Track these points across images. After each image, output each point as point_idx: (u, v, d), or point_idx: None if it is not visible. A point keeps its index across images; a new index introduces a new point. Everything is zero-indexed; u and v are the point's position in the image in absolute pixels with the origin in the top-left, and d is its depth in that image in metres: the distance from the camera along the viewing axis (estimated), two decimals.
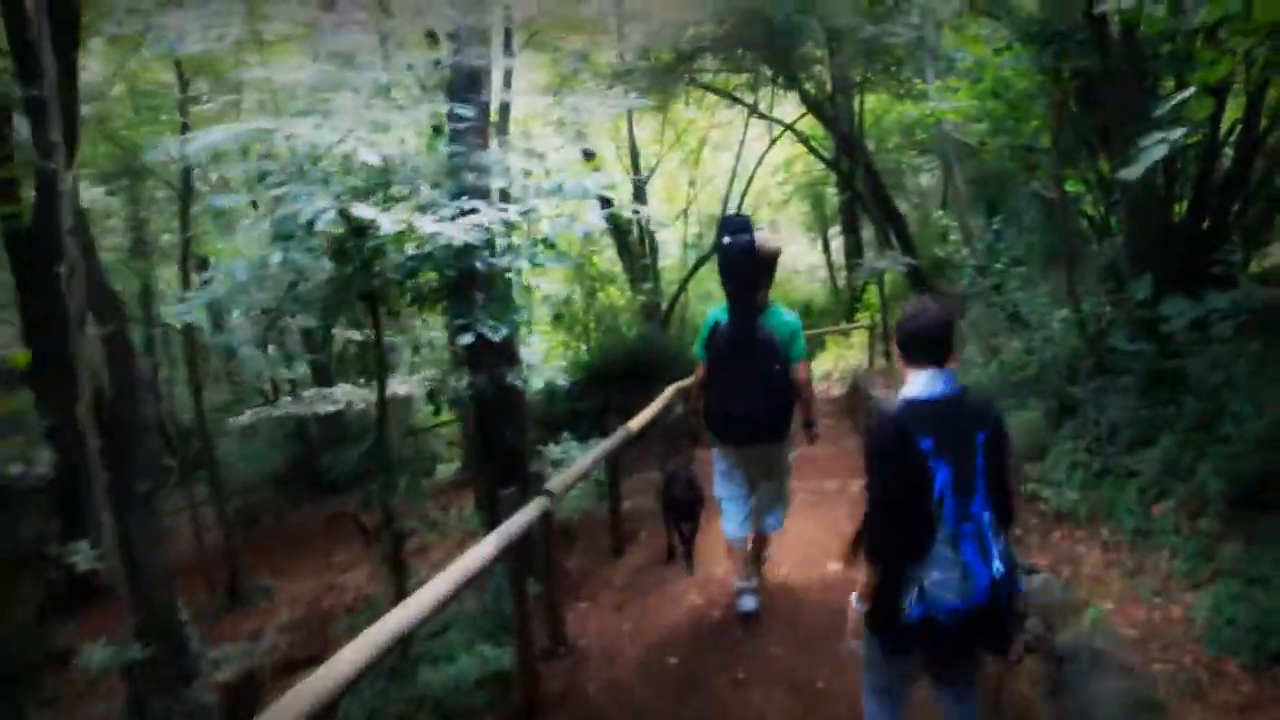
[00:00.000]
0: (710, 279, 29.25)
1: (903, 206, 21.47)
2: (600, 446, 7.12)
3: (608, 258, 23.84)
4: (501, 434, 7.52)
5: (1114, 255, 7.11)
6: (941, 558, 3.07)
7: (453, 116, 6.67)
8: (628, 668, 5.49)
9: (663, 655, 5.59)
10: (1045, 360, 8.55)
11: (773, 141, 20.92)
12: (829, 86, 18.22)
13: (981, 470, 3.11)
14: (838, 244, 28.28)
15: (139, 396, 7.56)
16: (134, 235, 17.34)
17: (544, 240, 5.92)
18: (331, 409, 9.29)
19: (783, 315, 5.52)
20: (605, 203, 23.25)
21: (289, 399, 11.55)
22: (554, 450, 10.58)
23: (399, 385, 9.37)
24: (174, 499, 16.13)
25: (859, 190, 20.14)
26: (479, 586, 6.49)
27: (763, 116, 19.93)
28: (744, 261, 5.32)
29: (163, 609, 8.15)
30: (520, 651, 5.09)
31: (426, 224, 5.02)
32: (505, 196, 6.59)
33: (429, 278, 5.87)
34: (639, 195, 22.58)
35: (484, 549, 4.36)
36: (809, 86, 18.71)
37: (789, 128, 20.18)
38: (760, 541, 6.19)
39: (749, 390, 5.34)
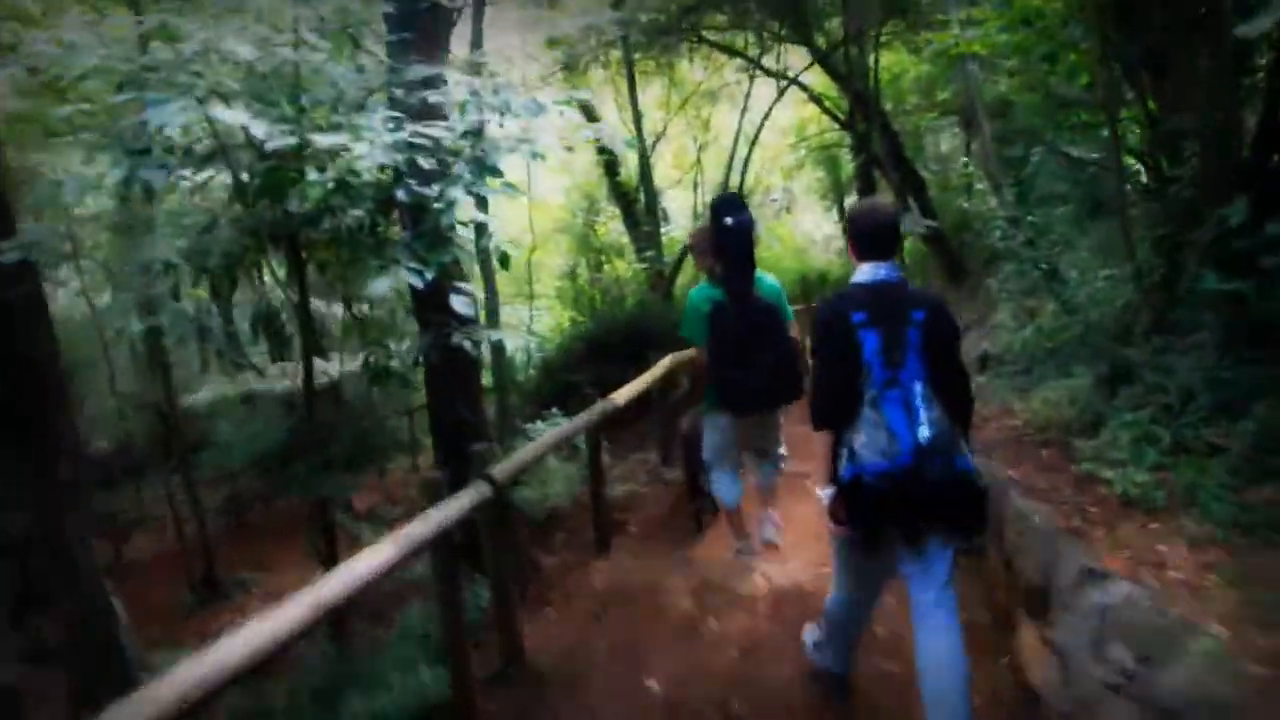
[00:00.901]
0: None
1: (921, 172, 20.30)
2: (570, 423, 6.07)
3: (615, 229, 22.81)
4: (451, 406, 6.45)
5: (1179, 195, 6.01)
6: (868, 420, 3.29)
7: (392, 23, 5.61)
8: (597, 695, 4.49)
9: (642, 679, 4.58)
10: (1090, 320, 7.49)
11: (778, 96, 19.70)
12: (842, 39, 17.07)
13: (915, 344, 3.37)
14: None
15: (48, 366, 6.52)
16: None
17: (486, 165, 4.76)
18: (285, 386, 8.26)
19: (767, 281, 5.80)
20: (605, 155, 22.37)
21: (250, 375, 10.56)
22: (539, 427, 9.57)
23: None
24: (169, 485, 15.33)
25: (875, 152, 18.99)
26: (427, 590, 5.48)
27: (766, 72, 18.76)
28: (745, 240, 5.57)
29: (96, 614, 7.22)
30: (454, 676, 4.07)
31: (325, 140, 3.98)
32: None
33: (355, 215, 4.77)
34: (643, 161, 21.52)
35: (379, 554, 3.32)
36: (820, 40, 17.57)
37: (793, 81, 18.94)
38: (765, 492, 6.42)
39: (765, 360, 5.55)
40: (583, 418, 6.24)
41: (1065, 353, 7.41)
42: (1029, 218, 8.54)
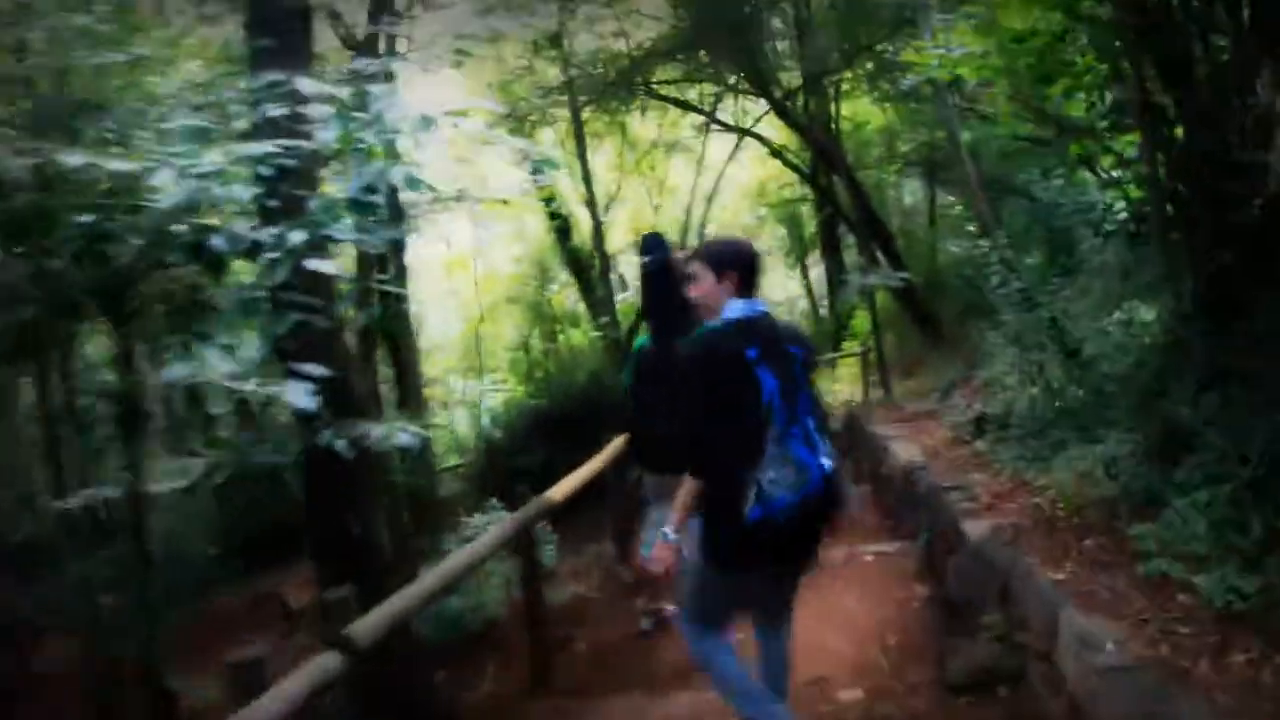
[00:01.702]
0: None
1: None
2: (489, 535, 4.78)
3: (571, 298, 21.72)
4: (338, 520, 5.13)
5: (1242, 220, 4.94)
6: (774, 457, 3.28)
7: (252, 27, 4.42)
8: None
9: None
10: (1108, 373, 6.40)
11: (735, 148, 18.79)
12: (800, 87, 16.23)
13: (803, 380, 3.45)
14: (817, 272, 26.19)
15: None
16: None
17: (350, 201, 3.45)
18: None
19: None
20: (557, 220, 21.29)
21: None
22: (477, 522, 8.30)
23: None
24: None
25: (839, 205, 18.10)
26: None
27: (723, 125, 17.84)
28: (660, 280, 5.03)
29: None
30: None
31: (74, 160, 2.78)
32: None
33: (181, 273, 3.54)
34: (596, 225, 20.50)
35: None
36: (776, 91, 16.72)
37: (749, 133, 18.00)
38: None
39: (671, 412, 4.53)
40: (508, 524, 4.99)
41: (1083, 413, 6.30)
42: (1026, 260, 7.50)
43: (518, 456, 12.70)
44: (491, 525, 7.91)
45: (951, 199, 19.60)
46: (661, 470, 5.09)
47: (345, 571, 4.29)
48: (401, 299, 9.60)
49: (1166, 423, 4.81)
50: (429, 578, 3.70)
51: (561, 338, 21.24)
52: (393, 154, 2.89)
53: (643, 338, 5.40)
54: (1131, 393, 5.91)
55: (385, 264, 9.62)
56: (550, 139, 20.15)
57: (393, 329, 10.41)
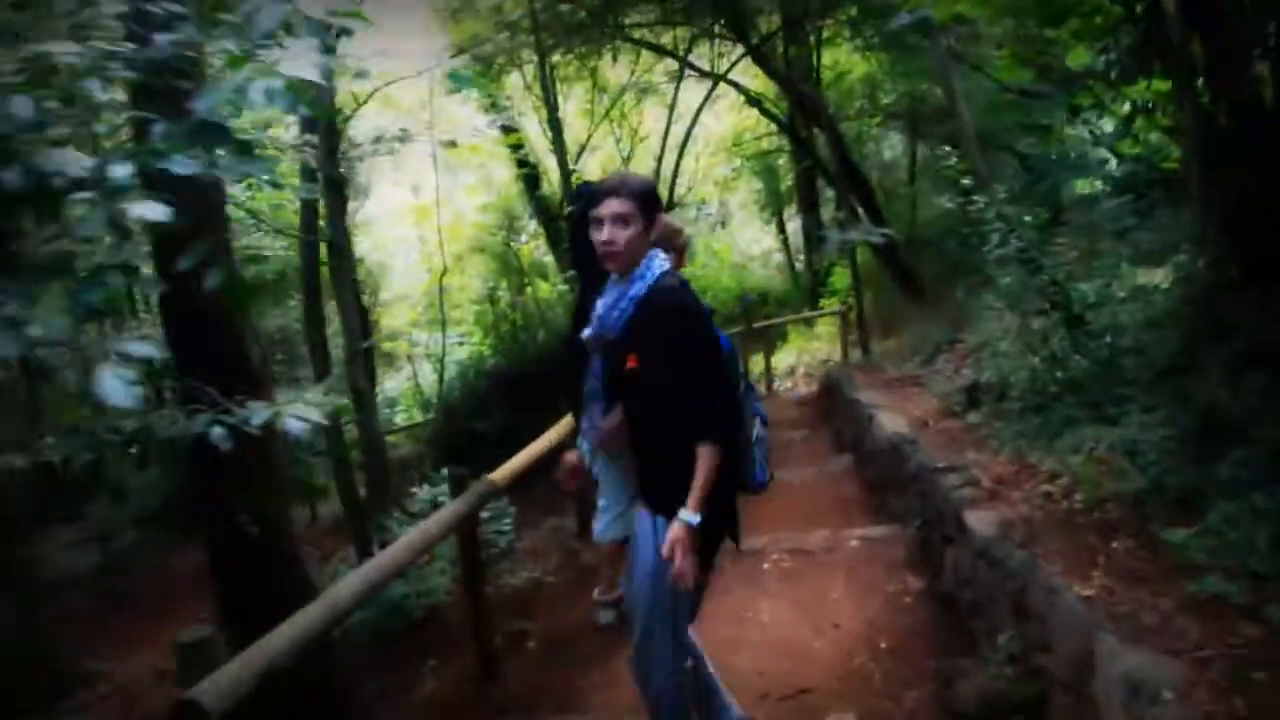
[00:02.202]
0: None
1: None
2: (418, 530, 4.07)
3: (540, 249, 20.92)
4: (226, 513, 4.38)
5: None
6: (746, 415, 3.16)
7: None
8: None
9: None
10: (1122, 345, 5.79)
11: (708, 94, 17.97)
12: (778, 31, 15.43)
13: None
14: (793, 227, 25.50)
15: None
16: None
17: (195, 125, 2.61)
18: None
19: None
20: (526, 168, 20.44)
21: None
22: (423, 495, 7.63)
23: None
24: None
25: (818, 157, 17.38)
26: None
27: (697, 70, 16.99)
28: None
29: None
30: None
31: None
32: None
33: None
34: (564, 173, 19.65)
35: None
36: (754, 37, 15.92)
37: (723, 78, 17.14)
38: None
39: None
40: (443, 515, 4.31)
41: (1092, 387, 5.70)
42: (1024, 219, 6.85)
43: (477, 420, 11.98)
44: (433, 501, 7.30)
45: (934, 153, 19.05)
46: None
47: (244, 583, 3.60)
48: (336, 249, 8.83)
49: (1201, 406, 4.20)
50: (314, 608, 2.98)
51: (529, 290, 20.48)
52: (266, 69, 2.18)
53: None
54: (1149, 366, 5.31)
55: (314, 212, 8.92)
56: (518, 84, 19.29)
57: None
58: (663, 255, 3.05)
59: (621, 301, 2.98)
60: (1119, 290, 6.68)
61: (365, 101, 12.34)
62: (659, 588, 2.93)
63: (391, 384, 23.43)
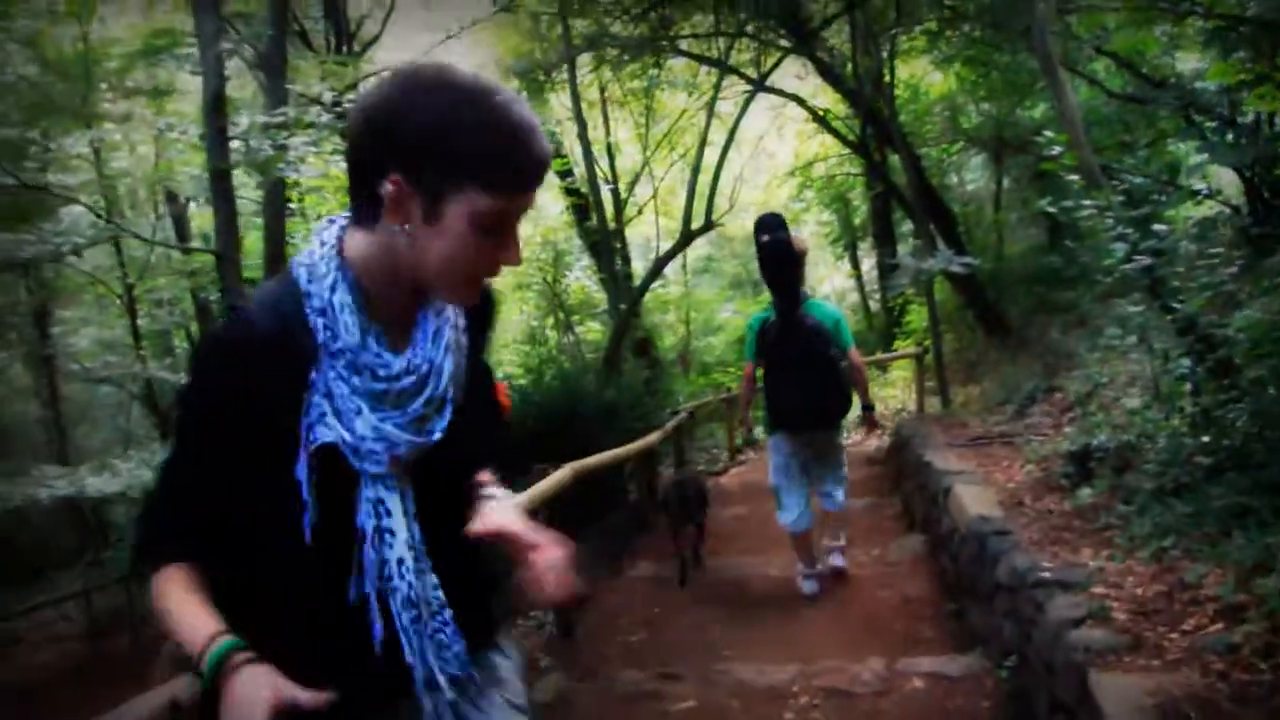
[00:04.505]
0: (711, 305, 24.65)
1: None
2: None
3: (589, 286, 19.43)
4: None
5: None
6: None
7: None
8: None
9: None
10: None
11: (745, 104, 16.24)
12: (851, 49, 13.78)
13: None
14: (868, 264, 23.65)
15: None
16: None
17: None
18: None
19: (824, 306, 6.11)
20: (574, 197, 18.91)
21: None
22: None
23: None
24: None
25: (893, 183, 15.62)
26: None
27: (767, 89, 15.29)
28: (784, 256, 5.78)
29: None
30: None
31: None
32: None
33: None
34: (616, 205, 18.15)
35: None
36: (821, 53, 14.29)
37: (761, 85, 15.20)
38: (827, 519, 6.29)
39: (806, 377, 5.75)
40: None
41: (1273, 465, 3.90)
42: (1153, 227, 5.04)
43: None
44: None
45: (1019, 184, 17.25)
46: (797, 429, 5.95)
47: None
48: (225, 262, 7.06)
49: None
50: None
51: (580, 329, 18.98)
52: None
53: (761, 313, 6.15)
54: None
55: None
56: (566, 105, 17.88)
57: None
58: None
59: None
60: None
61: None
62: None
63: None
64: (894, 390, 16.54)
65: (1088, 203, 5.45)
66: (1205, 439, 4.45)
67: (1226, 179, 9.34)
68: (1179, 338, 4.81)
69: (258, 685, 1.31)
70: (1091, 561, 3.97)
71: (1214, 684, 2.66)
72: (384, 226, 1.39)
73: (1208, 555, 3.59)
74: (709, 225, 16.08)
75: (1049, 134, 6.12)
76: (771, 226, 5.77)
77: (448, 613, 1.55)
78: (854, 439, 14.70)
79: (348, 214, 1.49)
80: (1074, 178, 5.55)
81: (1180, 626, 3.11)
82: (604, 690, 4.63)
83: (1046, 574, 3.81)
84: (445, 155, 1.31)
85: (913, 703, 3.97)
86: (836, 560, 6.20)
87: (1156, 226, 5.03)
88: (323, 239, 1.49)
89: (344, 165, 2.28)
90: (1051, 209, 5.84)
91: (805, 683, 4.22)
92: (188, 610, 1.41)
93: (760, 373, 6.12)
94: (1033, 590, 3.74)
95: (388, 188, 1.33)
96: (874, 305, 22.97)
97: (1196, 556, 3.64)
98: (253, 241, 13.52)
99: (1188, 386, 4.68)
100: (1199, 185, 8.88)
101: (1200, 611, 3.18)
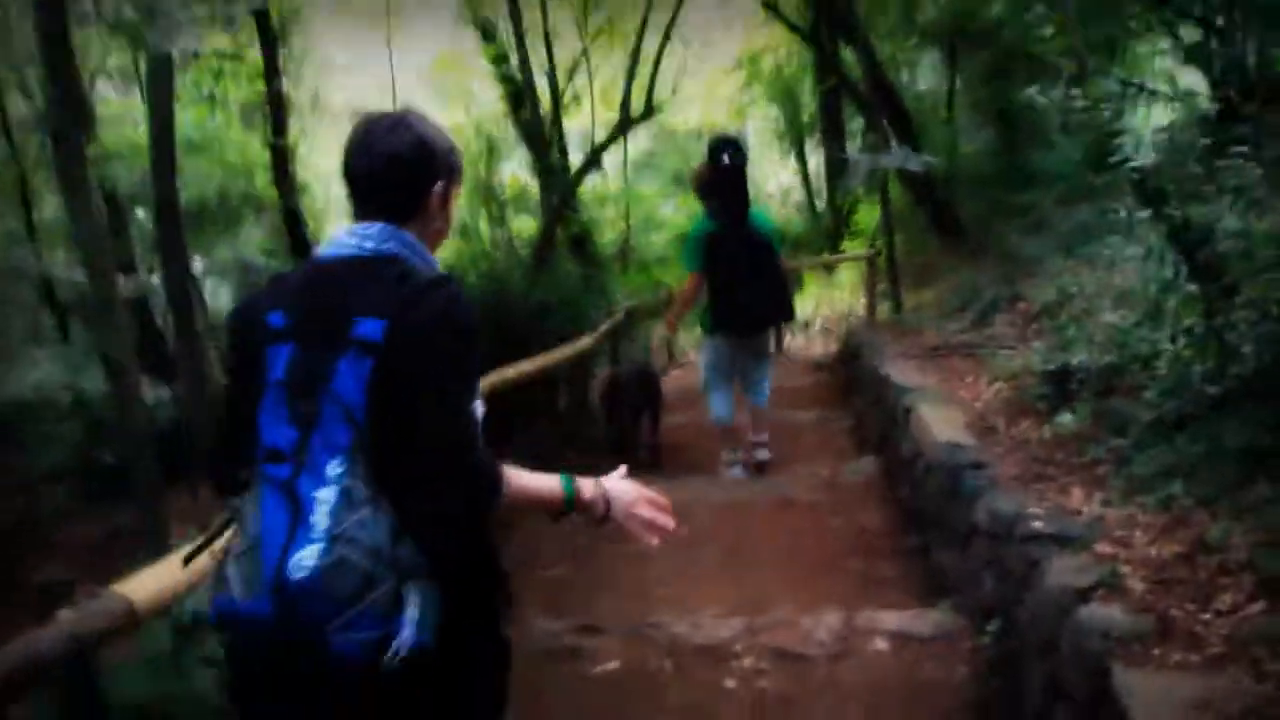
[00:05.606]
0: (652, 201, 23.82)
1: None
2: None
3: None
4: None
5: None
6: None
7: None
8: None
9: None
10: None
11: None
12: None
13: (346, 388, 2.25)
14: (815, 162, 22.86)
15: None
16: None
17: None
18: None
19: (764, 217, 6.67)
20: (510, 85, 17.93)
21: None
22: None
23: None
24: None
25: (847, 77, 14.84)
26: None
27: None
28: (739, 177, 6.14)
29: None
30: None
31: None
32: None
33: None
34: (554, 94, 17.15)
35: None
36: None
37: None
38: (757, 415, 6.68)
39: (757, 285, 6.06)
40: None
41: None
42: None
43: None
44: None
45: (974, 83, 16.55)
46: (744, 333, 6.35)
47: None
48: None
49: None
50: None
51: (515, 223, 18.14)
52: None
53: (701, 224, 6.31)
54: None
55: None
56: None
57: None
58: None
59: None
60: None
61: None
62: None
63: None
64: (842, 293, 15.96)
65: (1076, 92, 4.78)
66: (1210, 364, 3.90)
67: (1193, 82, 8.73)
68: (1174, 247, 4.21)
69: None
70: (1086, 507, 3.42)
71: (1274, 693, 2.10)
72: (422, 217, 1.85)
73: (1227, 507, 3.04)
74: (650, 112, 15.27)
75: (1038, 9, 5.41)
76: (731, 148, 6.12)
77: None
78: (798, 343, 14.17)
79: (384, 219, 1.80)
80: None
81: (1214, 604, 2.55)
82: (514, 646, 4.03)
83: (1038, 523, 3.24)
84: (455, 165, 1.92)
85: (876, 669, 3.40)
86: (763, 455, 6.66)
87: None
88: (402, 239, 1.80)
89: None
90: (1036, 101, 5.13)
91: (750, 640, 3.63)
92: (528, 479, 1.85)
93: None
94: (1023, 545, 3.17)
95: (436, 190, 1.84)
96: (820, 205, 22.26)
97: (1213, 507, 3.09)
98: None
99: (1191, 307, 4.07)
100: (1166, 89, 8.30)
101: (1235, 584, 2.62)
